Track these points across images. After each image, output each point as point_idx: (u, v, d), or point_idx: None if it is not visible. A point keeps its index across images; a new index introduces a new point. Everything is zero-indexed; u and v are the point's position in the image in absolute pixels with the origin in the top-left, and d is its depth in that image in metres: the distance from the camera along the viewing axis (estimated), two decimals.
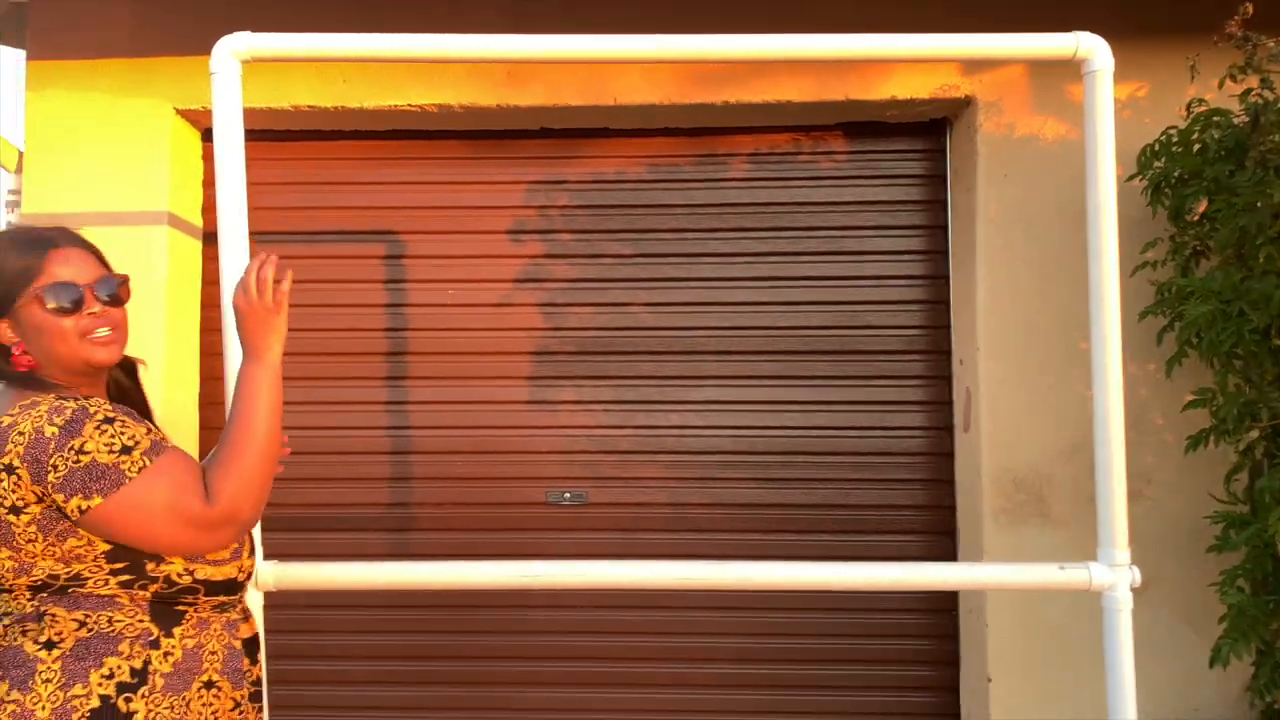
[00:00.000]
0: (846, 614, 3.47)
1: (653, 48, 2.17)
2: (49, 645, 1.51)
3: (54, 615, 1.53)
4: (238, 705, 1.67)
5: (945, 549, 3.48)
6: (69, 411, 1.51)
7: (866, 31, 2.18)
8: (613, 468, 3.51)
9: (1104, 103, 2.15)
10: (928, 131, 3.56)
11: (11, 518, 1.49)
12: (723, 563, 2.29)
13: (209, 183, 3.60)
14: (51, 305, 1.58)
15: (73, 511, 1.48)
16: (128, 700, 1.51)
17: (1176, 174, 2.95)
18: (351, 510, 3.53)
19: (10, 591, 1.55)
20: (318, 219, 3.59)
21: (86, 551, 1.52)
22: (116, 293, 1.67)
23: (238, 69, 2.14)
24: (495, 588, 2.25)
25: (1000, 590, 3.16)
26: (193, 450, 3.45)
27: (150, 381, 1.87)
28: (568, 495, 3.50)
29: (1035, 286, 3.25)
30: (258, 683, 1.75)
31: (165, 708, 1.55)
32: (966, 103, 3.35)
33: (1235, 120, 2.82)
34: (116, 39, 3.38)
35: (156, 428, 1.72)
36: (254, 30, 2.14)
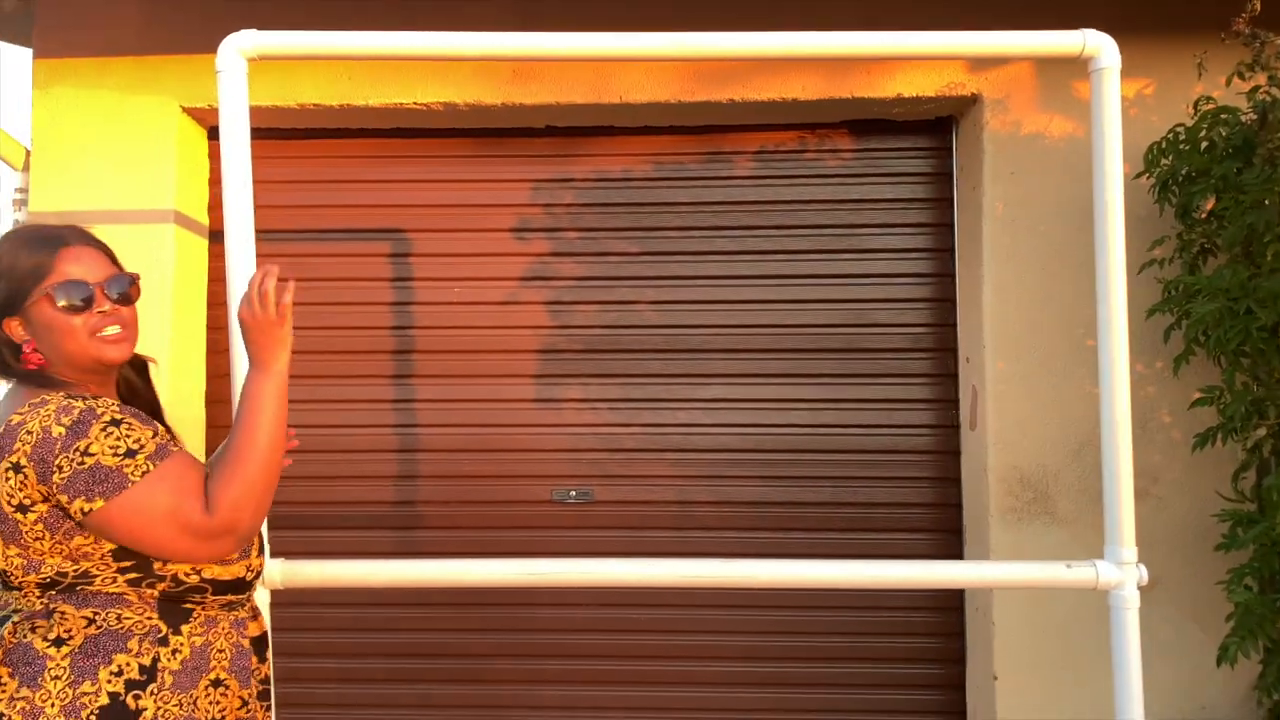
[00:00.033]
0: (852, 612, 3.47)
1: (659, 46, 2.17)
2: (58, 642, 1.52)
3: (63, 613, 1.53)
4: (245, 704, 1.68)
5: (951, 547, 3.47)
6: (77, 411, 1.51)
7: (872, 29, 2.18)
8: (619, 466, 3.51)
9: (1111, 100, 2.15)
10: (934, 129, 3.55)
11: (18, 516, 1.50)
12: (728, 561, 2.29)
13: (215, 181, 3.60)
14: (62, 303, 1.58)
15: (76, 513, 1.48)
16: (136, 698, 1.52)
17: (1184, 172, 2.94)
18: (358, 508, 3.54)
19: (19, 589, 1.55)
20: (323, 217, 3.60)
21: (93, 550, 1.52)
22: (127, 291, 1.67)
23: (244, 67, 2.14)
24: (501, 585, 2.25)
25: (1007, 588, 3.15)
26: (199, 448, 3.46)
27: (157, 379, 1.87)
28: (574, 493, 3.50)
29: (1042, 284, 3.25)
30: (266, 681, 1.75)
31: (174, 705, 1.55)
32: (973, 100, 3.35)
33: (1243, 118, 2.81)
34: (123, 37, 3.39)
35: (166, 428, 1.72)
36: (260, 28, 2.15)
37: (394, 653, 3.51)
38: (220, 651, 1.64)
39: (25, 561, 1.53)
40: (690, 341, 3.53)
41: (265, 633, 1.78)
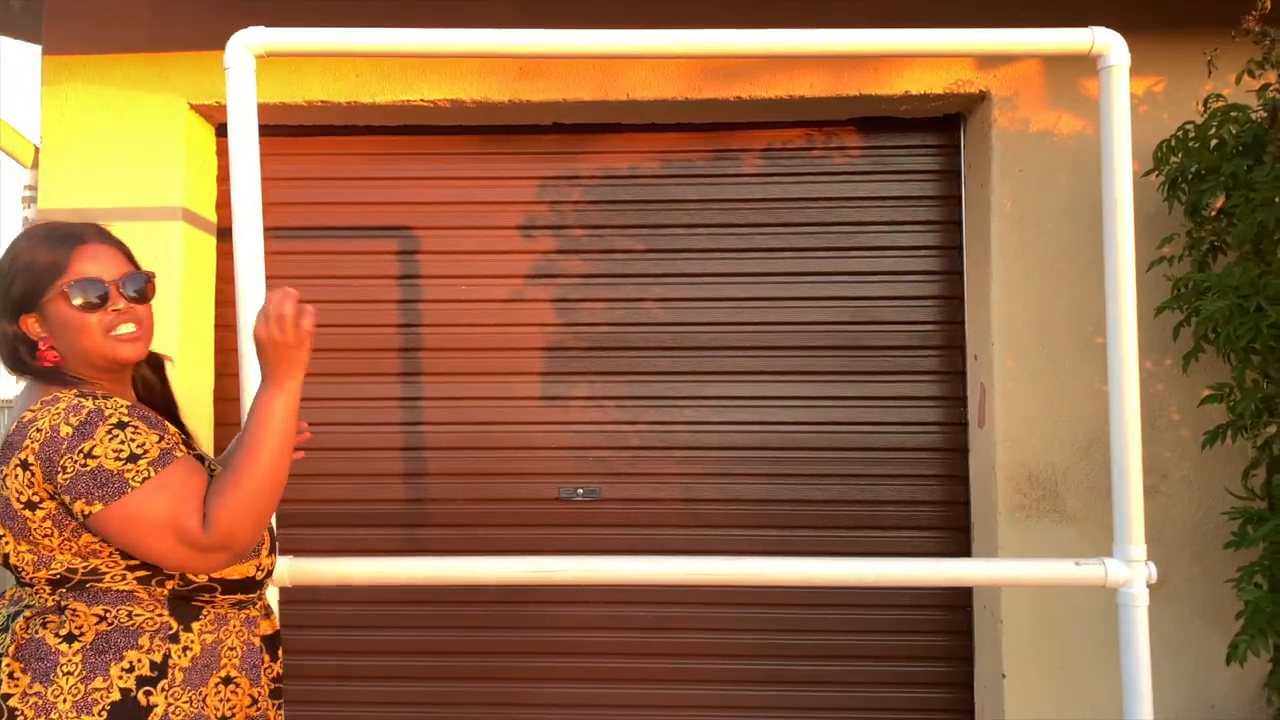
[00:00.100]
0: (860, 609, 3.46)
1: (666, 43, 2.17)
2: (70, 638, 1.52)
3: (74, 609, 1.54)
4: (255, 701, 1.68)
5: (959, 545, 3.47)
6: (85, 412, 1.51)
7: (880, 26, 2.18)
8: (625, 463, 3.51)
9: (1120, 98, 2.15)
10: (942, 126, 3.54)
11: (27, 513, 1.50)
12: (735, 558, 2.29)
13: (223, 178, 3.61)
14: (78, 301, 1.58)
15: (77, 514, 1.49)
16: (148, 694, 1.52)
17: (1193, 169, 2.93)
18: (364, 506, 3.54)
19: (31, 585, 1.56)
20: (330, 214, 3.60)
21: (102, 547, 1.53)
22: (143, 289, 1.66)
23: (252, 64, 2.15)
24: (508, 583, 2.26)
25: (1015, 586, 3.15)
26: (207, 446, 3.46)
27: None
28: (581, 491, 3.50)
29: (1050, 281, 3.24)
30: (278, 679, 1.76)
31: (184, 701, 1.55)
32: (981, 98, 3.34)
33: (1253, 115, 2.80)
34: (131, 34, 3.39)
35: (181, 427, 1.73)
36: (267, 25, 2.15)
37: (400, 650, 3.52)
38: (231, 649, 1.65)
39: (36, 558, 1.53)
40: (697, 339, 3.53)
41: (277, 631, 1.78)
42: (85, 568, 1.54)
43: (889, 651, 3.47)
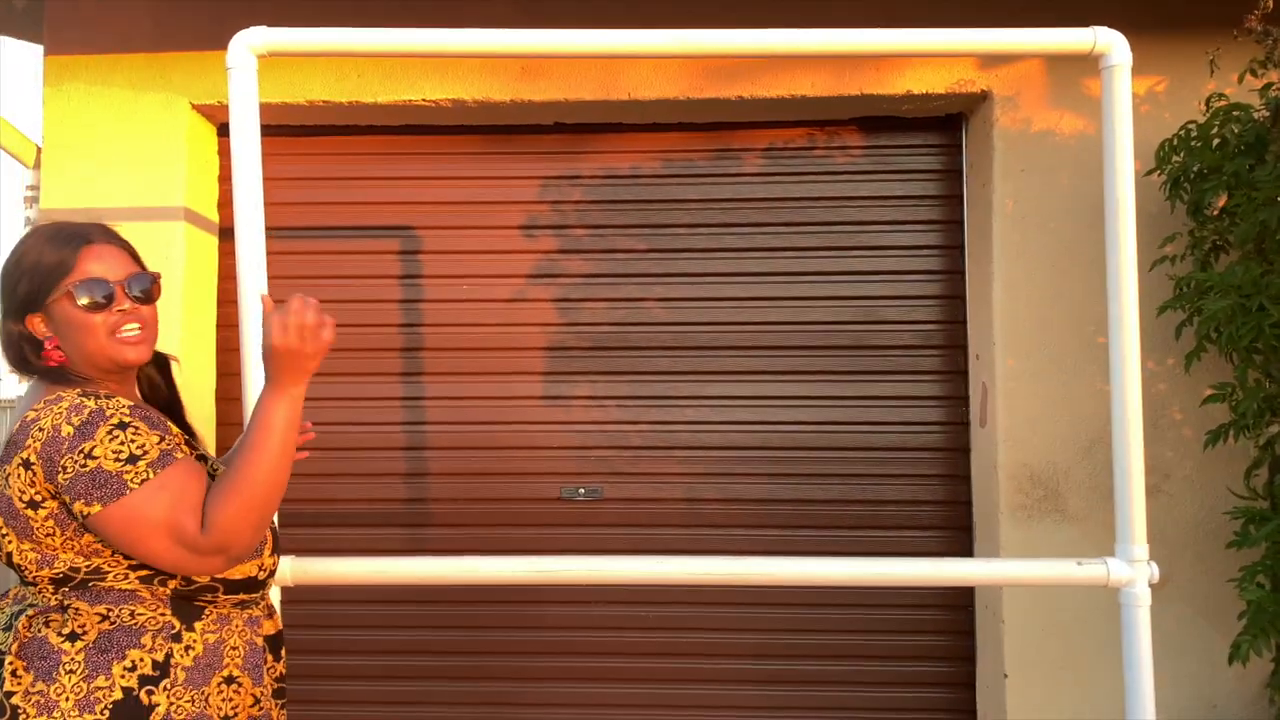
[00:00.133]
0: (862, 609, 3.46)
1: (667, 42, 2.17)
2: (72, 637, 1.52)
3: (77, 608, 1.54)
4: (258, 701, 1.68)
5: (961, 544, 3.47)
6: (87, 411, 1.51)
7: (882, 26, 2.18)
8: (627, 463, 3.51)
9: (1122, 97, 2.15)
10: (944, 126, 3.54)
11: (30, 512, 1.51)
12: (737, 558, 2.29)
13: (225, 178, 3.61)
14: (83, 301, 1.58)
15: (77, 514, 1.49)
16: (150, 693, 1.52)
17: (1195, 169, 2.93)
18: (366, 505, 3.54)
19: (34, 584, 1.56)
20: (332, 214, 3.60)
21: (104, 546, 1.53)
22: (148, 289, 1.66)
23: (254, 64, 2.15)
24: (510, 583, 2.26)
25: (1017, 586, 3.14)
26: (209, 446, 3.46)
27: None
28: (582, 491, 3.50)
29: (1052, 281, 3.24)
30: (281, 679, 1.76)
31: (186, 701, 1.55)
32: (983, 97, 3.34)
33: (1255, 115, 2.80)
34: (133, 34, 3.40)
35: (186, 427, 1.73)
36: (269, 25, 2.15)
37: (402, 649, 3.52)
38: (234, 649, 1.64)
39: (39, 557, 1.53)
40: (699, 339, 3.53)
41: (280, 631, 1.78)
42: (88, 567, 1.54)
43: (890, 651, 3.47)
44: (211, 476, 1.62)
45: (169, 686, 1.54)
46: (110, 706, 1.49)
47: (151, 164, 3.40)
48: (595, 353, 3.54)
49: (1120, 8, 2.90)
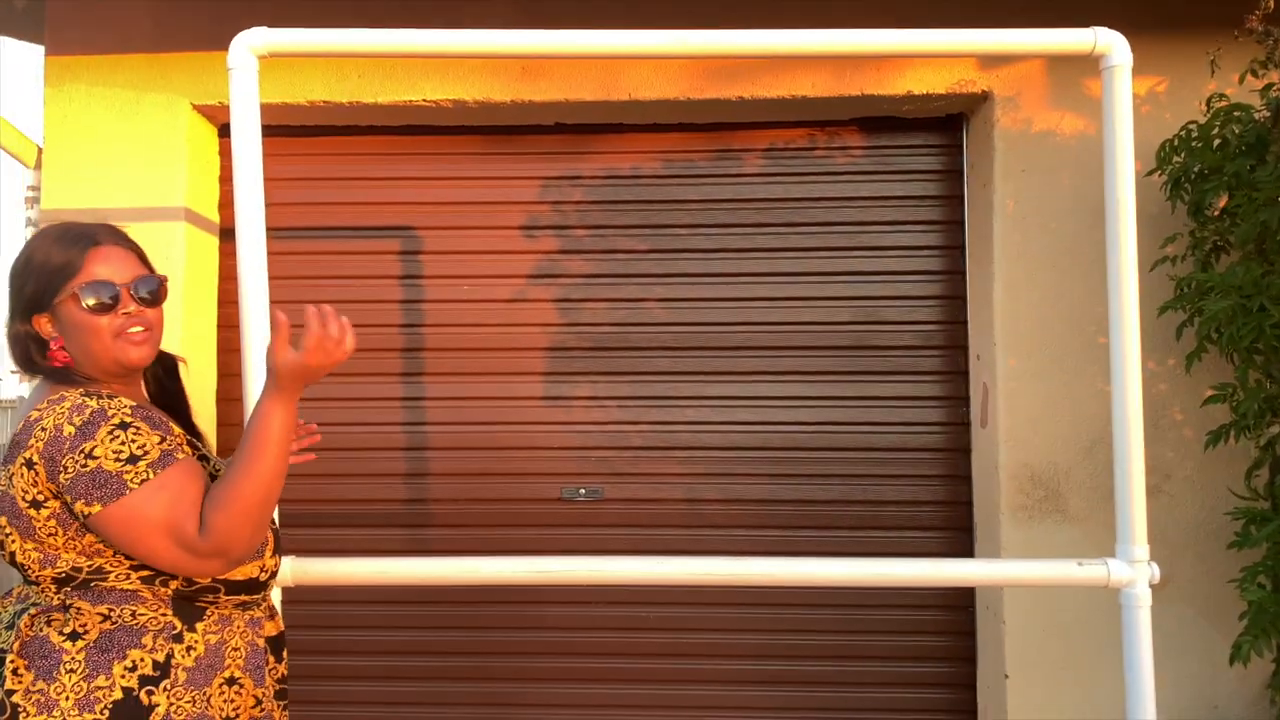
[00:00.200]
0: (862, 609, 3.46)
1: (668, 43, 2.17)
2: (74, 636, 1.53)
3: (79, 608, 1.54)
4: (259, 702, 1.68)
5: (962, 545, 3.46)
6: (88, 411, 1.51)
7: (882, 26, 2.18)
8: (628, 463, 3.51)
9: (1122, 98, 2.15)
10: (944, 126, 3.54)
11: (32, 511, 1.51)
12: (738, 559, 2.29)
13: (225, 178, 3.61)
14: (89, 303, 1.59)
15: (78, 514, 1.49)
16: (150, 693, 1.52)
17: (1196, 169, 2.93)
18: (366, 505, 3.54)
19: (37, 583, 1.56)
20: (333, 214, 3.60)
21: (106, 546, 1.53)
22: (155, 292, 1.67)
23: (255, 64, 2.15)
24: (510, 583, 2.26)
25: (1018, 586, 3.14)
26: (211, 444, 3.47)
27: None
28: (583, 491, 3.50)
29: (1053, 281, 3.24)
30: (283, 680, 1.76)
31: (187, 702, 1.55)
32: (983, 98, 3.34)
33: (1256, 115, 2.80)
34: (134, 35, 3.40)
35: (188, 429, 1.73)
36: (269, 26, 2.15)
37: (403, 650, 3.52)
38: (235, 650, 1.65)
39: (41, 556, 1.54)
40: (699, 339, 3.53)
41: (282, 632, 1.78)
42: (90, 566, 1.54)
43: (891, 652, 3.47)
44: (213, 478, 1.62)
45: (169, 687, 1.54)
46: (110, 706, 1.49)
47: (152, 164, 3.40)
48: (596, 353, 3.54)
49: (1120, 8, 2.90)
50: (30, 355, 1.62)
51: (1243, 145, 2.79)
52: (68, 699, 1.48)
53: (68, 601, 1.54)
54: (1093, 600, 3.10)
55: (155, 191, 3.39)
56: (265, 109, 2.24)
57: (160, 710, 1.52)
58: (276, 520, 1.86)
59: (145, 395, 1.76)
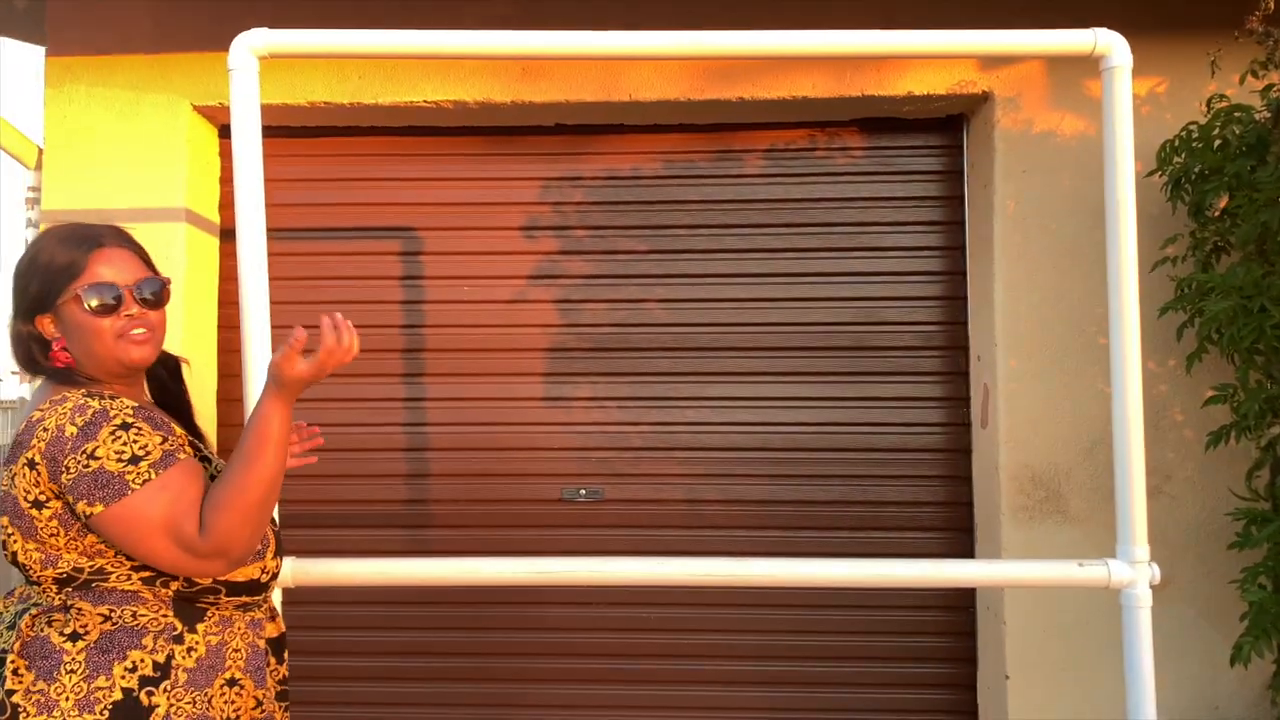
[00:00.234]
0: (863, 610, 3.46)
1: (668, 44, 2.17)
2: (74, 637, 1.53)
3: (79, 608, 1.54)
4: (260, 704, 1.68)
5: (963, 546, 3.46)
6: (90, 412, 1.52)
7: (883, 28, 2.18)
8: (628, 464, 3.51)
9: (1123, 99, 2.15)
10: (945, 127, 3.54)
11: (34, 512, 1.51)
12: (738, 559, 2.29)
13: (226, 179, 3.61)
14: (91, 304, 1.59)
15: (80, 515, 1.49)
16: (150, 694, 1.52)
17: (1197, 170, 2.93)
18: (367, 506, 3.54)
19: (38, 583, 1.57)
20: (333, 215, 3.60)
21: (107, 547, 1.53)
22: (158, 293, 1.67)
23: (255, 65, 2.15)
24: (511, 584, 2.26)
25: (1018, 587, 3.14)
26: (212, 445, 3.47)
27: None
28: (583, 492, 3.50)
29: (1053, 282, 3.23)
30: (284, 682, 1.76)
31: (187, 703, 1.55)
32: (984, 98, 3.34)
33: (1256, 116, 2.80)
34: (134, 35, 3.40)
35: (190, 429, 1.73)
36: (270, 27, 2.15)
37: (403, 651, 3.52)
38: (236, 651, 1.65)
39: (43, 556, 1.54)
40: (699, 340, 3.53)
41: (283, 634, 1.78)
42: (91, 567, 1.54)
43: (891, 653, 3.47)
44: (213, 479, 1.62)
45: (169, 688, 1.54)
46: (110, 707, 1.49)
47: (152, 165, 3.40)
48: (596, 354, 3.54)
49: (1120, 8, 2.90)
50: (33, 355, 1.62)
51: (1243, 146, 2.79)
52: (68, 699, 1.48)
53: (69, 602, 1.55)
54: (1093, 601, 3.10)
55: (155, 192, 3.39)
56: (266, 110, 2.24)
57: (160, 711, 1.52)
58: (277, 521, 1.86)
59: (148, 396, 1.76)
